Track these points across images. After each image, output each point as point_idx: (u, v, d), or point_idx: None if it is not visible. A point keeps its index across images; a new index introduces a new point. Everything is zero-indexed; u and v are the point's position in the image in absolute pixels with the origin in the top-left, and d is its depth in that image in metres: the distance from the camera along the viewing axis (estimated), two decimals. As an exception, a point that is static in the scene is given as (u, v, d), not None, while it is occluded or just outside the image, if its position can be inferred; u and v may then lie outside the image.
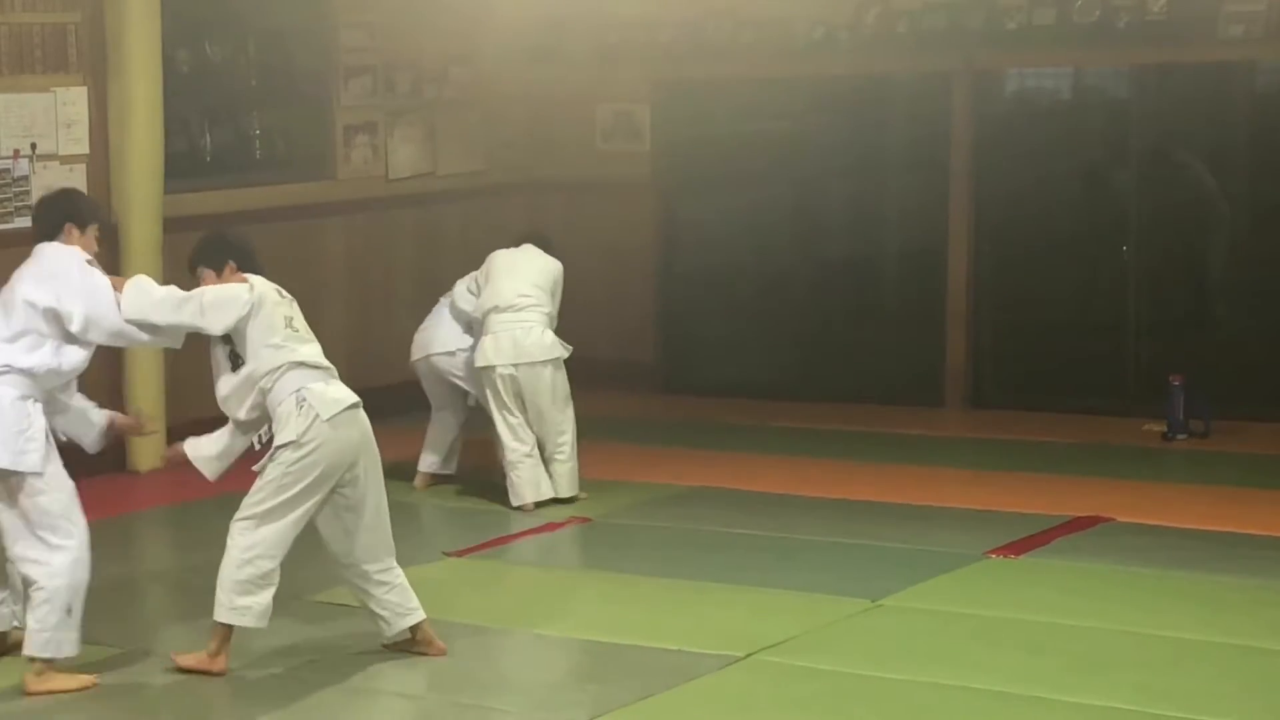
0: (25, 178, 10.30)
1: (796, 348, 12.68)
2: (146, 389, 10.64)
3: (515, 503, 9.70)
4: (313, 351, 7.20)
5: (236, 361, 7.16)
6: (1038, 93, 12.46)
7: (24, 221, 10.25)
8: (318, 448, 6.99)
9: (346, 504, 7.15)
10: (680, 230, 13.08)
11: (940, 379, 12.23)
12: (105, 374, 10.58)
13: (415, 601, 7.29)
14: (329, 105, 12.08)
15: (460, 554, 8.96)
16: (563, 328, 10.15)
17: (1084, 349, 11.91)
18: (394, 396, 12.22)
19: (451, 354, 10.11)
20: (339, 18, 12.06)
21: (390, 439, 11.42)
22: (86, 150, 10.56)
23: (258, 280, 7.22)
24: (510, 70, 13.01)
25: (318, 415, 7.01)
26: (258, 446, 7.22)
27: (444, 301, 10.28)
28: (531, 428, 9.73)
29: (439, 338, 10.18)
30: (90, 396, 7.52)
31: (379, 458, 7.26)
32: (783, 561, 8.63)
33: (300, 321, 7.24)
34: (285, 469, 7.02)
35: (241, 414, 7.19)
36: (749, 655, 7.21)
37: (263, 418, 7.17)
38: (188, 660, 7.16)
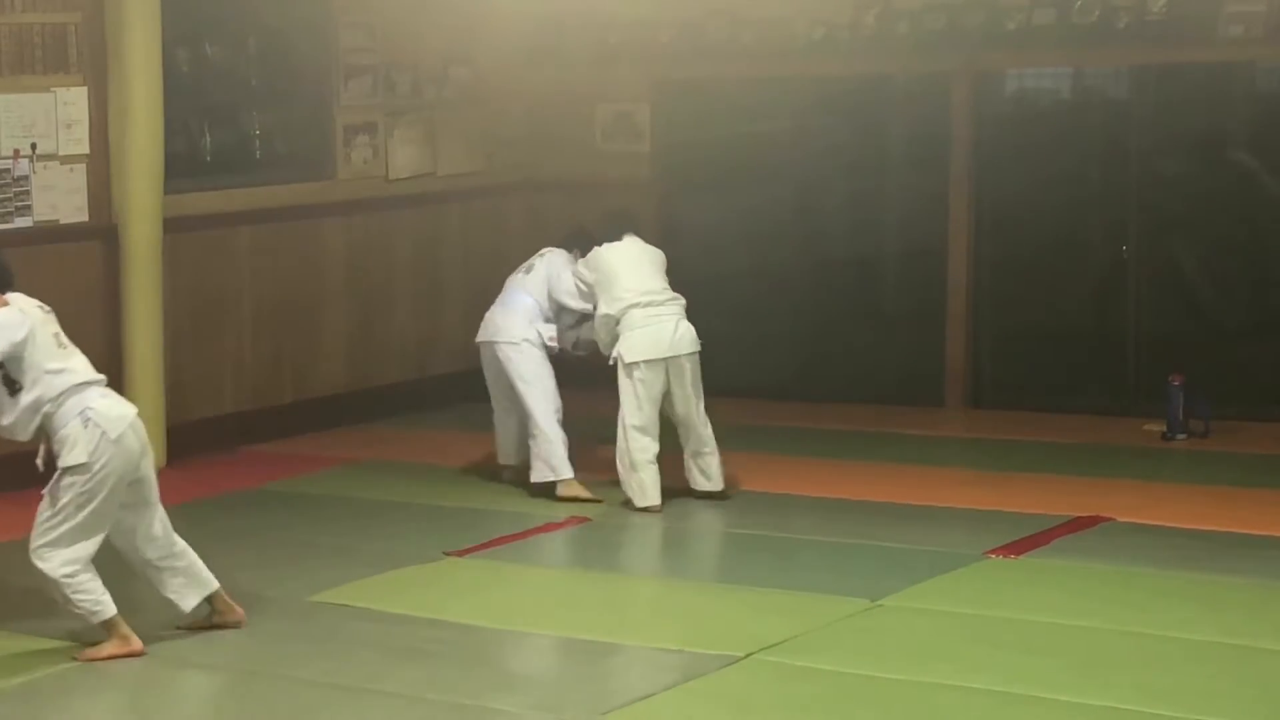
0: (25, 178, 10.30)
1: (796, 348, 12.68)
2: (146, 389, 10.64)
3: (642, 504, 9.63)
4: (84, 365, 7.36)
5: (12, 386, 7.20)
6: (1038, 93, 12.45)
7: (24, 221, 10.27)
8: (106, 464, 7.16)
9: (131, 505, 7.34)
10: (680, 230, 13.06)
11: (940, 379, 12.23)
12: (106, 376, 10.58)
13: (207, 573, 7.51)
14: (329, 105, 12.08)
15: (460, 554, 8.95)
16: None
17: (1084, 349, 11.91)
18: (394, 396, 12.28)
19: (516, 344, 9.99)
20: (339, 18, 12.06)
21: (390, 439, 11.49)
22: (86, 150, 10.56)
23: (24, 302, 7.30)
24: (510, 70, 13.01)
25: (104, 433, 7.17)
26: (41, 468, 7.28)
27: (517, 281, 10.14)
28: (675, 424, 9.76)
29: (507, 325, 10.05)
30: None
31: (152, 458, 7.44)
32: (783, 561, 8.63)
33: (63, 334, 7.37)
34: (79, 491, 7.16)
35: (26, 436, 7.28)
36: (749, 655, 7.20)
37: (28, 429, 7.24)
38: (101, 652, 7.28)
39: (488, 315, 10.20)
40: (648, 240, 10.19)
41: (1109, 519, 9.22)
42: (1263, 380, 11.38)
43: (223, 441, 11.19)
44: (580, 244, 10.17)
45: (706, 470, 9.85)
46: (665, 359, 9.66)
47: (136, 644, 7.31)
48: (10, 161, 10.24)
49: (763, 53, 12.47)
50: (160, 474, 10.59)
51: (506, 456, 10.29)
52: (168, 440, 10.79)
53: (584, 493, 9.82)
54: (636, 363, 9.62)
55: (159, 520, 7.48)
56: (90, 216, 10.59)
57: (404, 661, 7.28)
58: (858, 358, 12.49)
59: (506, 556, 8.96)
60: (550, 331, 10.05)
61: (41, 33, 10.37)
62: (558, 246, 10.27)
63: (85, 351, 10.45)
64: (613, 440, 9.79)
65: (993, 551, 8.64)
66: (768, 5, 12.43)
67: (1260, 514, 9.26)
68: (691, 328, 9.79)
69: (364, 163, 12.25)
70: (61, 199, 10.47)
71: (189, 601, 7.54)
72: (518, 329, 10.02)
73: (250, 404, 11.50)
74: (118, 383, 10.56)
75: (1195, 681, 6.85)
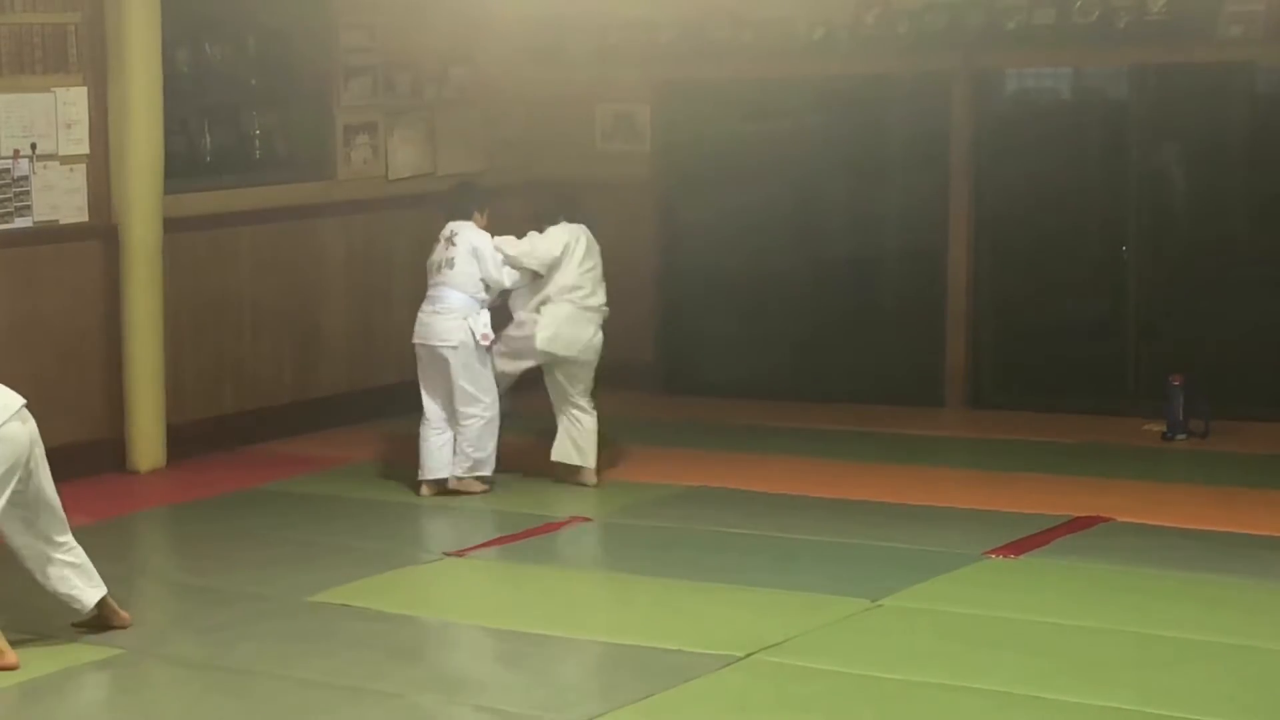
0: (25, 178, 10.29)
1: (796, 348, 12.68)
2: (146, 389, 10.64)
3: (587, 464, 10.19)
4: None
5: None
6: (1038, 93, 12.45)
7: (24, 221, 10.27)
8: None
9: (22, 499, 7.29)
10: (680, 230, 13.07)
11: (940, 379, 12.23)
12: (106, 375, 10.61)
13: (98, 579, 7.51)
14: (329, 105, 12.08)
15: (460, 554, 8.95)
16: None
17: (1084, 349, 11.91)
18: (394, 396, 12.26)
19: (454, 347, 10.02)
20: (339, 18, 12.06)
21: (390, 439, 11.47)
22: (86, 150, 10.56)
23: None
24: (510, 70, 13.01)
25: None
26: None
27: (445, 279, 10.07)
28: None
29: (445, 328, 10.04)
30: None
31: (43, 448, 7.36)
32: (783, 561, 8.63)
33: None
34: None
35: None
36: (749, 655, 7.20)
37: None
38: None
39: (423, 319, 10.09)
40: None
41: (1109, 519, 9.21)
42: (1263, 380, 11.38)
43: (223, 441, 11.19)
44: (476, 201, 10.23)
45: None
46: (570, 357, 10.12)
47: (12, 658, 7.20)
48: (10, 161, 10.23)
49: (763, 53, 12.47)
50: (160, 474, 10.72)
51: (439, 471, 10.17)
52: (168, 440, 10.80)
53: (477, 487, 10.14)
54: (545, 351, 10.06)
55: (59, 515, 7.44)
56: (90, 216, 10.59)
57: (404, 661, 7.28)
58: (858, 358, 12.48)
59: (506, 556, 8.96)
60: (484, 326, 10.07)
61: (41, 33, 10.36)
62: (457, 219, 10.16)
63: (85, 351, 10.50)
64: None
65: (993, 551, 8.64)
66: (768, 5, 12.43)
67: (1260, 514, 9.26)
68: (601, 337, 10.23)
69: (364, 163, 12.25)
70: (61, 199, 10.47)
71: (90, 597, 7.52)
72: (456, 332, 10.00)
73: (250, 404, 11.49)
74: (118, 383, 10.61)
75: (1195, 681, 6.85)
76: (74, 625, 7.59)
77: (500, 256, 10.05)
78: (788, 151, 12.67)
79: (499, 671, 7.33)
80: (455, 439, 10.06)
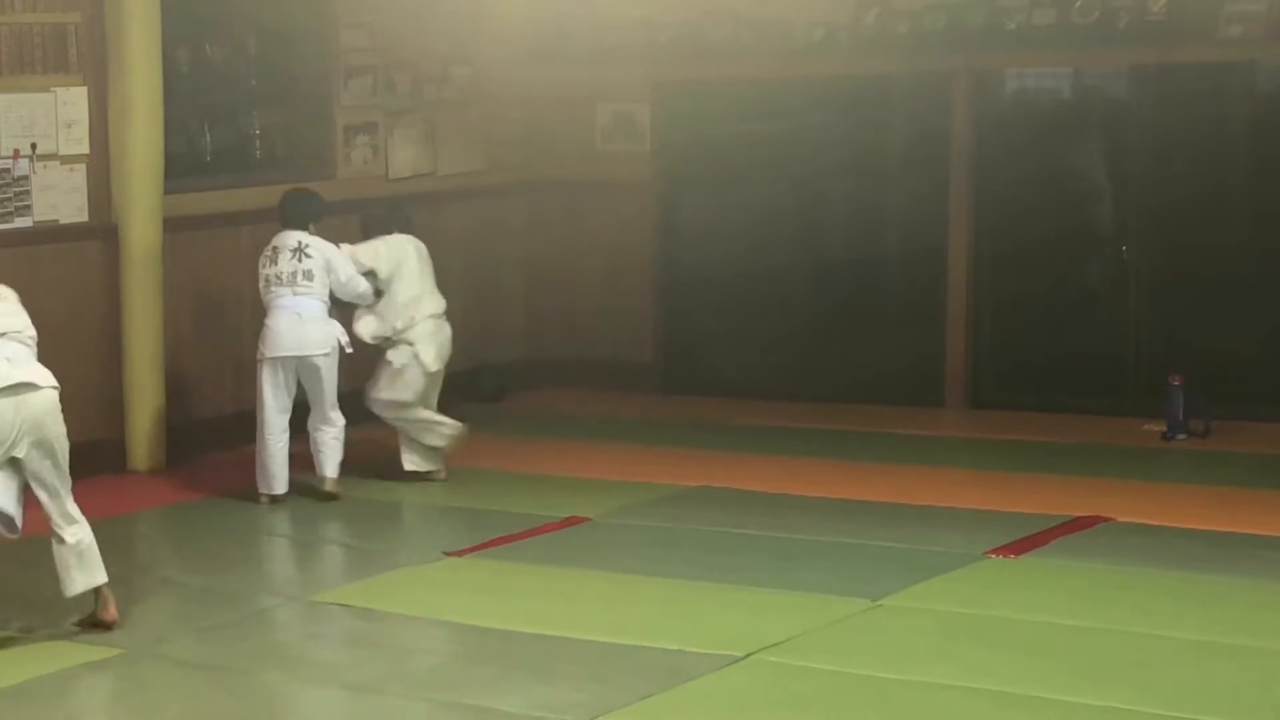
0: (25, 178, 10.30)
1: (796, 348, 12.68)
2: (146, 389, 10.64)
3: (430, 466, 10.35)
4: None
5: None
6: (1037, 93, 12.45)
7: (24, 221, 10.27)
8: None
9: (31, 476, 7.38)
10: (680, 230, 13.07)
11: (940, 379, 12.22)
12: (106, 375, 10.60)
13: (98, 570, 7.54)
14: (329, 105, 12.08)
15: (460, 554, 8.95)
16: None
17: (1084, 349, 11.91)
18: (394, 396, 12.24)
19: (329, 354, 10.07)
20: (339, 18, 12.06)
21: (391, 439, 11.49)
22: (86, 150, 10.57)
23: None
24: (510, 70, 13.01)
25: None
26: None
27: (305, 290, 9.97)
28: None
29: (318, 337, 10.01)
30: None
31: (49, 432, 7.38)
32: (783, 561, 8.63)
33: None
34: None
35: None
36: (749, 655, 7.21)
37: None
38: None
39: (286, 330, 9.94)
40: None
41: (1109, 519, 9.22)
42: (1263, 380, 11.38)
43: (223, 441, 11.18)
44: (316, 211, 10.24)
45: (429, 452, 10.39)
46: (443, 366, 10.33)
47: None
48: (10, 161, 10.24)
49: (763, 53, 12.47)
50: (160, 474, 10.72)
51: (284, 484, 10.11)
52: (168, 440, 10.80)
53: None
54: (440, 371, 10.30)
55: (61, 500, 7.47)
56: (90, 216, 10.59)
57: (404, 661, 7.28)
58: (858, 358, 12.49)
59: (506, 556, 8.96)
60: (344, 334, 10.14)
61: (41, 33, 10.37)
62: (295, 229, 10.10)
63: (85, 351, 10.50)
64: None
65: (993, 551, 8.65)
66: (768, 5, 12.43)
67: (1260, 514, 9.26)
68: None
69: (364, 163, 12.25)
70: (61, 199, 10.47)
71: (76, 587, 7.52)
72: (327, 340, 10.04)
73: (250, 404, 11.47)
74: (117, 382, 10.60)
75: (1195, 681, 6.85)
76: (74, 624, 7.59)
77: (351, 266, 10.13)
78: (788, 151, 12.67)
79: (498, 671, 7.32)
80: (317, 440, 10.12)
